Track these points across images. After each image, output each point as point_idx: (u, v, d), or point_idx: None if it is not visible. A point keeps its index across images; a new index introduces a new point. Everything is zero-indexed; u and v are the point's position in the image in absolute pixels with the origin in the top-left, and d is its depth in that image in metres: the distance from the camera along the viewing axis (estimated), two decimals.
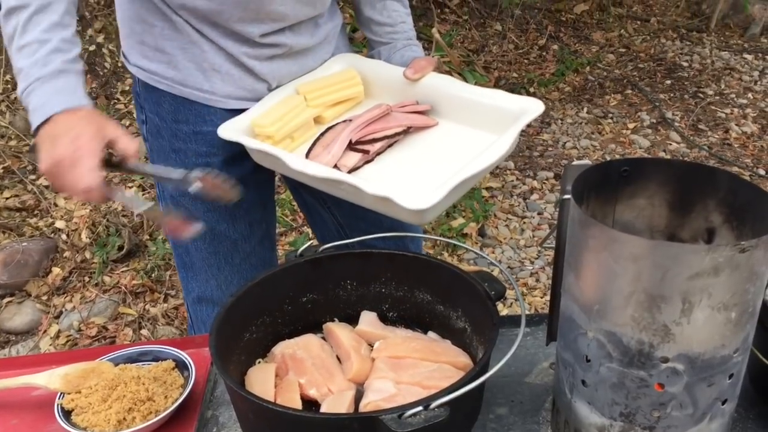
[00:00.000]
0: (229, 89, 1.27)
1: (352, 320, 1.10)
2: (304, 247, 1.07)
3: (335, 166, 1.15)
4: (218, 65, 1.24)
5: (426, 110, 1.28)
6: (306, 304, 1.09)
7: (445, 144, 1.23)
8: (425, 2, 4.37)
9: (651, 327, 0.82)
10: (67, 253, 2.50)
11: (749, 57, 4.28)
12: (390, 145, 1.24)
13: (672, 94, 3.84)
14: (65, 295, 2.38)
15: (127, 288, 2.39)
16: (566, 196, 0.92)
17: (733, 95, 3.82)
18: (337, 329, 1.07)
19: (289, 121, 1.21)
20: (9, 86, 3.12)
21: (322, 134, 1.24)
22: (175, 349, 1.08)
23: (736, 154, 3.26)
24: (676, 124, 3.52)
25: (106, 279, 2.44)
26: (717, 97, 3.80)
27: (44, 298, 2.37)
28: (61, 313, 2.32)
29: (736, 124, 3.50)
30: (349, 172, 1.15)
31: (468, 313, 1.03)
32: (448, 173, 1.06)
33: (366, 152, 1.18)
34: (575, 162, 1.05)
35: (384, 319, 1.11)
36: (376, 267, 1.08)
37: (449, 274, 1.05)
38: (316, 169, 1.09)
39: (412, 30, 1.39)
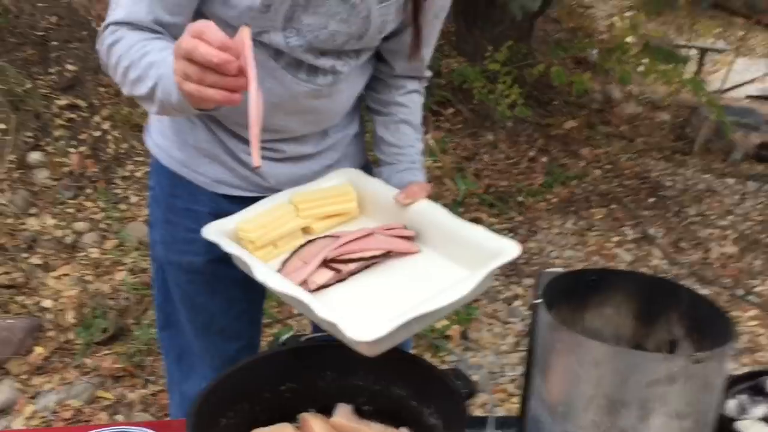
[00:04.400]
0: (225, 177, 1.34)
1: (329, 411, 1.13)
2: (287, 336, 1.11)
3: (305, 281, 1.17)
4: (217, 154, 1.32)
5: (411, 236, 1.29)
6: (284, 393, 1.12)
7: (420, 273, 1.24)
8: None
9: (610, 431, 0.86)
10: (51, 333, 2.51)
11: (730, 181, 4.45)
12: (367, 266, 1.24)
13: (655, 212, 3.97)
14: (45, 375, 2.38)
15: (108, 371, 2.39)
16: (538, 301, 0.97)
17: (714, 216, 3.94)
18: (312, 420, 1.09)
19: (275, 228, 1.24)
20: (13, 165, 3.21)
21: (303, 246, 1.26)
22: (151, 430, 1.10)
23: (715, 274, 3.34)
24: (658, 240, 3.63)
25: (88, 361, 2.44)
26: (698, 218, 3.93)
27: (24, 377, 2.36)
28: (38, 393, 2.31)
29: (717, 245, 3.60)
30: (318, 289, 1.16)
31: (440, 410, 1.06)
32: (412, 305, 1.05)
33: (338, 271, 1.20)
34: (548, 269, 1.11)
35: (360, 412, 1.14)
36: (355, 360, 1.11)
37: (424, 370, 1.09)
38: (277, 284, 1.10)
39: (418, 154, 1.44)
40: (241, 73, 0.87)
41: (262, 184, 1.36)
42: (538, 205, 3.96)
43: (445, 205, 3.62)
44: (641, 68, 4.53)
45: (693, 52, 7.11)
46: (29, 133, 3.39)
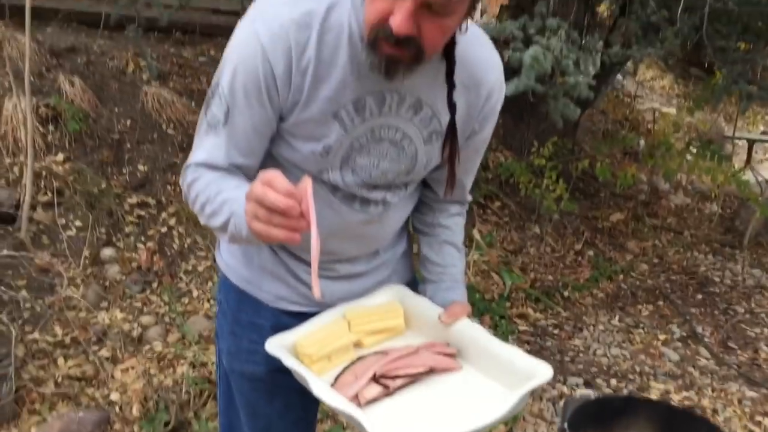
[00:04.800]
0: (285, 293, 1.50)
1: None
2: None
3: (356, 396, 1.29)
4: (279, 274, 1.48)
5: (453, 353, 1.40)
6: None
7: (461, 390, 1.34)
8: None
9: None
10: (117, 425, 2.66)
11: None
12: (412, 382, 1.35)
13: (703, 309, 3.98)
14: None
15: None
16: (565, 427, 1.08)
17: (764, 314, 3.93)
18: None
19: (329, 343, 1.37)
20: (86, 261, 3.45)
21: (354, 362, 1.38)
22: None
23: (765, 375, 3.33)
24: (706, 339, 3.63)
25: None
26: (747, 315, 3.92)
27: None
28: None
29: (766, 345, 3.59)
30: (368, 403, 1.28)
31: None
32: (452, 424, 1.17)
33: (386, 387, 1.31)
34: (576, 394, 1.22)
35: None
36: None
37: None
38: (333, 400, 1.21)
39: (460, 273, 1.55)
40: (302, 216, 1.04)
41: (319, 301, 1.50)
42: (584, 300, 4.01)
43: (492, 300, 3.73)
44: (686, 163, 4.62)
45: (743, 142, 7.16)
46: (102, 230, 3.65)
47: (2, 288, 3.03)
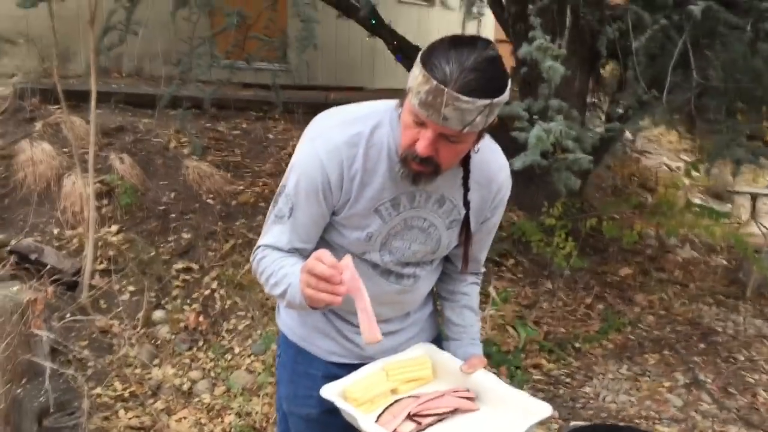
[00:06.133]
0: (334, 349, 1.85)
1: None
2: None
3: (395, 430, 1.61)
4: (329, 332, 1.84)
5: (472, 397, 1.73)
6: None
7: (479, 426, 1.66)
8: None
9: None
10: None
11: None
12: (440, 420, 1.67)
13: (705, 357, 4.27)
14: None
15: None
16: None
17: (763, 362, 4.21)
18: None
19: (371, 390, 1.70)
20: (140, 322, 3.83)
21: (392, 404, 1.71)
22: None
23: (762, 418, 3.60)
24: (708, 386, 3.92)
25: None
26: (747, 363, 4.20)
27: None
28: None
29: (764, 390, 3.86)
30: None
31: None
32: None
33: (419, 423, 1.65)
34: (572, 425, 1.56)
35: None
36: None
37: None
38: (375, 431, 1.56)
39: (477, 332, 1.89)
40: (342, 283, 1.40)
41: (362, 354, 1.85)
42: (594, 351, 4.31)
43: (508, 351, 4.09)
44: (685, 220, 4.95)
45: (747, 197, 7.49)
46: (153, 294, 4.04)
47: (70, 348, 3.41)
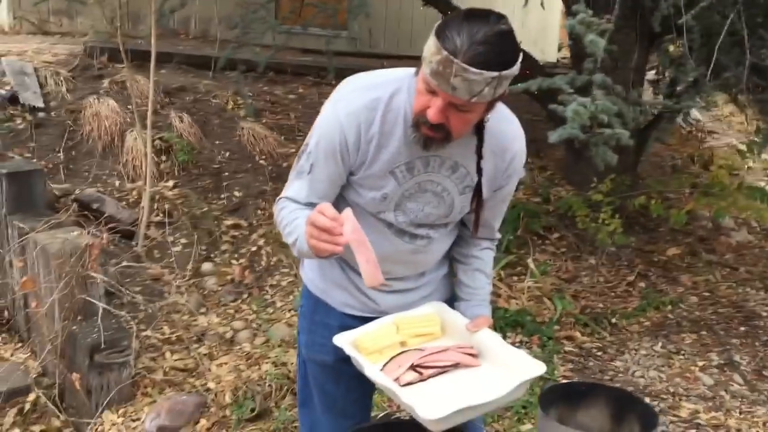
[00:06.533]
0: (350, 301, 1.98)
1: None
2: (381, 414, 1.69)
3: (398, 378, 1.73)
4: (345, 286, 1.96)
5: (475, 354, 1.83)
6: None
7: (478, 380, 1.76)
8: (527, 233, 5.12)
9: None
10: (212, 409, 3.21)
11: None
12: (442, 372, 1.78)
13: (744, 340, 4.23)
14: None
15: None
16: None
17: None
18: None
19: (381, 341, 1.83)
20: (190, 273, 4.05)
21: (398, 354, 1.83)
22: None
23: None
24: (742, 368, 3.90)
25: None
26: None
27: None
28: None
29: None
30: (406, 385, 1.71)
31: None
32: (465, 400, 1.59)
33: (421, 374, 1.76)
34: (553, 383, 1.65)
35: None
36: None
37: None
38: (378, 378, 1.68)
39: (487, 294, 1.99)
40: (342, 235, 1.52)
41: (376, 308, 1.97)
42: (630, 327, 4.33)
43: (542, 323, 4.17)
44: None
45: None
46: (203, 247, 4.27)
47: (124, 291, 3.66)
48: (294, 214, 1.76)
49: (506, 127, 1.80)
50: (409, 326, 1.91)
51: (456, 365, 1.82)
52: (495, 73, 1.46)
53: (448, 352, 1.86)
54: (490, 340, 1.86)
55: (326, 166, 1.74)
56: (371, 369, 1.75)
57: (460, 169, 1.78)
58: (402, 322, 1.91)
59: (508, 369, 1.76)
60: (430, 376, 1.79)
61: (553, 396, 1.53)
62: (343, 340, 1.85)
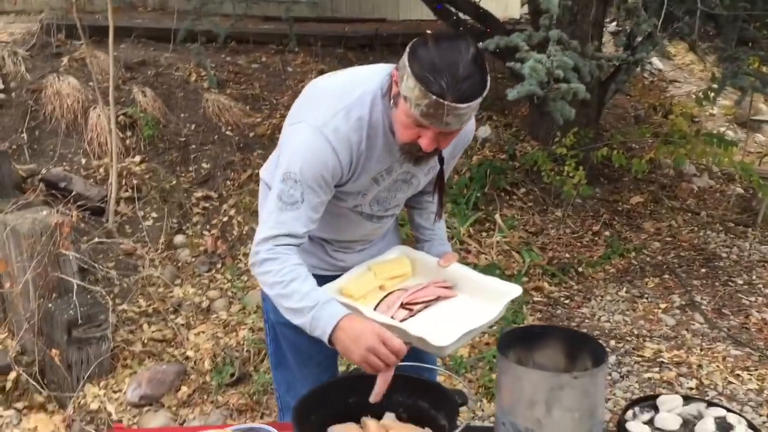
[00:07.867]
0: (317, 263, 2.05)
1: (379, 417, 1.78)
2: (356, 367, 1.78)
3: (392, 317, 1.83)
4: (316, 252, 2.04)
5: (450, 286, 1.96)
6: (351, 404, 1.79)
7: (460, 308, 1.88)
8: (494, 190, 5.22)
9: (531, 419, 1.48)
10: (193, 376, 3.29)
11: None
12: (426, 307, 1.90)
13: (705, 281, 4.40)
14: (189, 407, 3.15)
15: (234, 406, 3.14)
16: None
17: (761, 285, 4.33)
18: (369, 422, 1.75)
19: (364, 286, 1.93)
20: (162, 246, 4.10)
21: (385, 297, 1.94)
22: (273, 428, 1.78)
23: (751, 337, 3.75)
24: (703, 307, 4.07)
25: (219, 398, 3.20)
26: (745, 286, 4.33)
27: (174, 408, 3.15)
28: (184, 421, 3.07)
29: (757, 311, 4.00)
30: (402, 321, 1.83)
31: (447, 415, 1.71)
32: (459, 327, 1.71)
33: (411, 310, 1.87)
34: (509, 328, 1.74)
35: (399, 418, 1.79)
36: (396, 384, 1.77)
37: (438, 390, 1.74)
38: (381, 319, 1.77)
39: (445, 234, 2.15)
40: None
41: (344, 266, 2.05)
42: (596, 275, 4.48)
43: (511, 275, 4.30)
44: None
45: None
46: (174, 220, 4.30)
47: (97, 267, 3.70)
48: (289, 274, 1.73)
49: None
50: (384, 270, 2.02)
51: (437, 299, 1.94)
52: (480, 99, 1.58)
53: (428, 288, 1.98)
54: (460, 271, 1.99)
55: (320, 190, 1.75)
56: (369, 311, 1.83)
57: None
58: (377, 268, 2.02)
59: (488, 294, 1.88)
60: (418, 311, 1.90)
61: (510, 339, 1.63)
62: (330, 289, 1.93)
